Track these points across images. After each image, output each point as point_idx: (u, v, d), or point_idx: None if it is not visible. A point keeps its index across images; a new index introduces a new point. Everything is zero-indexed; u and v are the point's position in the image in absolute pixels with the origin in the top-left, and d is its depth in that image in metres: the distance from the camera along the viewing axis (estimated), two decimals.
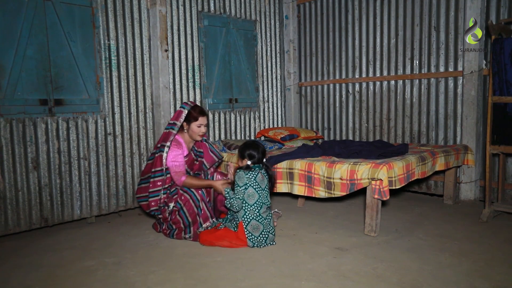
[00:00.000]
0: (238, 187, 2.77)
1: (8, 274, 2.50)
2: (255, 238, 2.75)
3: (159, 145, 3.05)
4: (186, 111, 3.09)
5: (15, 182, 3.13)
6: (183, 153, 3.09)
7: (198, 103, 4.33)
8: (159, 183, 3.01)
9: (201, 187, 3.05)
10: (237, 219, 2.80)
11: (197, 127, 3.09)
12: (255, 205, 2.76)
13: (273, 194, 4.05)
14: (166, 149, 3.01)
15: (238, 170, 2.82)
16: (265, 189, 2.83)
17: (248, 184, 2.77)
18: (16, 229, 3.17)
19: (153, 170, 3.02)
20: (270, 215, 2.84)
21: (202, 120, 3.09)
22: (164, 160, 3.00)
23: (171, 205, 3.01)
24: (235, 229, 2.80)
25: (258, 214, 2.77)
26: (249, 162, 2.82)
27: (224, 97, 4.60)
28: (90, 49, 3.50)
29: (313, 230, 3.16)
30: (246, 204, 2.76)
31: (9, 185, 3.10)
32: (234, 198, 2.76)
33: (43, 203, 3.28)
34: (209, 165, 3.30)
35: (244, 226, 2.75)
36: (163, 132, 3.19)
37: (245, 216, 2.76)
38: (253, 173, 2.79)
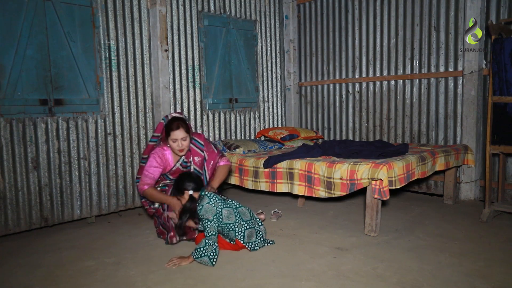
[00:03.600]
0: (209, 222, 2.55)
1: (8, 274, 2.50)
2: (253, 243, 2.72)
3: (144, 157, 3.03)
4: (164, 123, 2.95)
5: (15, 182, 3.13)
6: (160, 167, 2.92)
7: (198, 103, 4.34)
8: None
9: (158, 201, 2.90)
10: (231, 237, 2.72)
11: (173, 142, 2.87)
12: (238, 220, 2.69)
13: (273, 194, 4.07)
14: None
15: (199, 206, 2.63)
16: (227, 200, 2.75)
17: (220, 207, 2.65)
18: (16, 229, 3.17)
19: None
20: (249, 211, 2.81)
21: (174, 134, 2.85)
22: None
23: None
24: (232, 242, 2.74)
25: (245, 223, 2.71)
26: (190, 192, 2.65)
27: (224, 97, 4.60)
28: (90, 49, 3.50)
29: (313, 230, 3.16)
30: (230, 225, 2.66)
31: (9, 185, 3.10)
32: (210, 239, 2.51)
33: (43, 203, 3.28)
34: (212, 165, 3.09)
35: (242, 241, 2.69)
36: (147, 144, 3.11)
37: (238, 233, 2.68)
38: (214, 197, 2.68)
